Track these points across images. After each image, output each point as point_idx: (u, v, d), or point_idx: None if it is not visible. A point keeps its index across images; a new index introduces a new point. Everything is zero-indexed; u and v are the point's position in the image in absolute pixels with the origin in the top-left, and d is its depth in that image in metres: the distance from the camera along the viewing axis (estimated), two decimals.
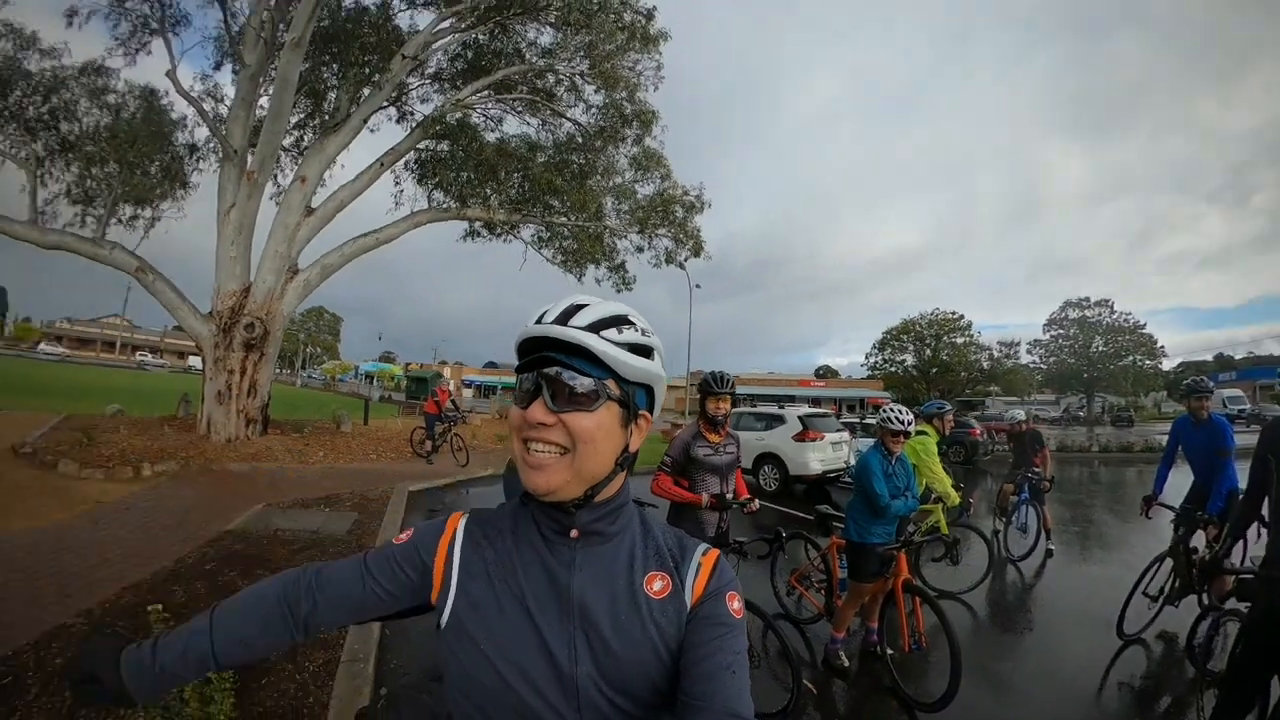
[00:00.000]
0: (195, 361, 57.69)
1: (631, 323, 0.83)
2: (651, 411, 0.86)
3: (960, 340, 44.00)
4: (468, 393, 55.21)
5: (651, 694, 0.78)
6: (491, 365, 73.73)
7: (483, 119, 13.86)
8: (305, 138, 13.83)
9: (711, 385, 3.35)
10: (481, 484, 9.55)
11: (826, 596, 4.10)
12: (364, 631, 3.84)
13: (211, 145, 12.56)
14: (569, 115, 13.78)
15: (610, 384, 0.79)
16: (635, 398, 0.82)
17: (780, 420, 11.08)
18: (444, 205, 13.29)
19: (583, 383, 0.77)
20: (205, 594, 4.10)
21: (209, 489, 7.53)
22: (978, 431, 16.54)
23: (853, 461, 9.11)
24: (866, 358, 49.28)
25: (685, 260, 14.80)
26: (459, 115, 12.45)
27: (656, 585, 0.82)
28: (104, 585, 4.24)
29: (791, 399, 28.10)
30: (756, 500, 3.53)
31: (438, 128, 12.14)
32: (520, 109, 13.94)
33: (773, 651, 3.70)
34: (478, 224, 13.81)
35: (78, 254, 10.76)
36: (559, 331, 0.78)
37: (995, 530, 6.35)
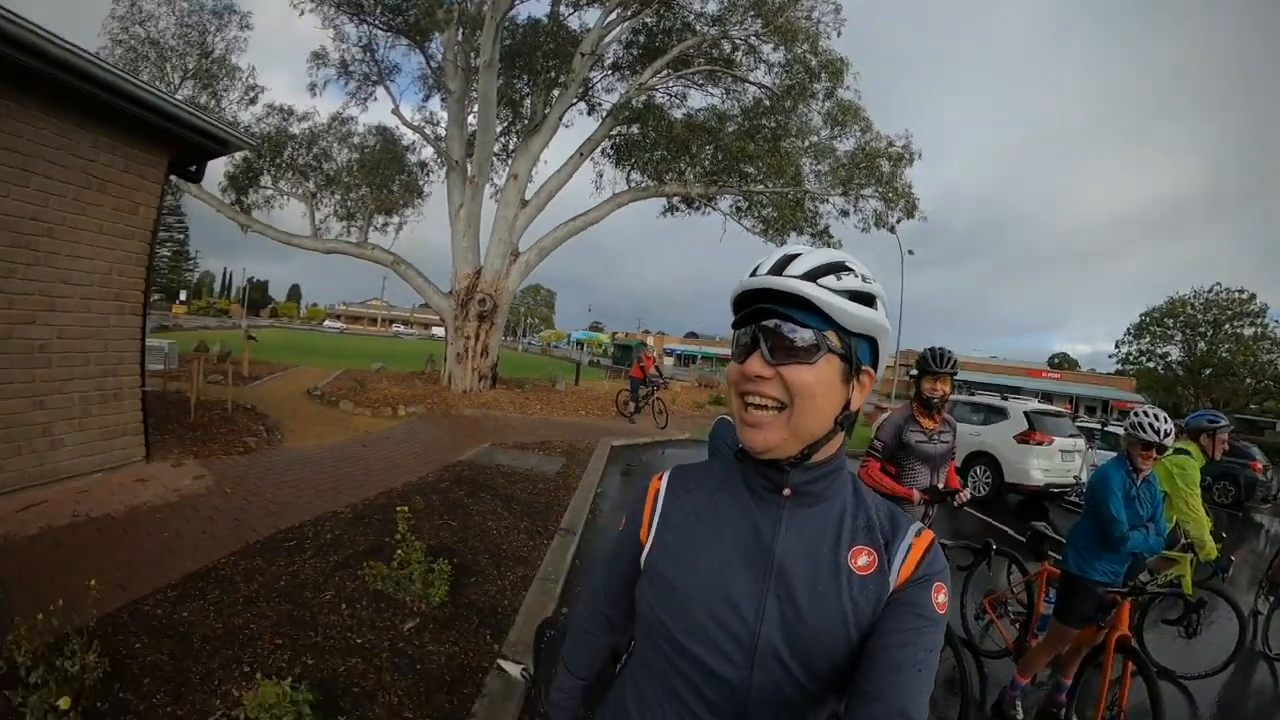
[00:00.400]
0: (438, 331, 70.93)
1: (850, 269, 0.79)
2: (875, 367, 0.82)
3: (1249, 332, 32.21)
4: (669, 361, 58.11)
5: (829, 669, 0.76)
6: (692, 335, 75.93)
7: (667, 98, 14.12)
8: (511, 142, 15.39)
9: (929, 363, 3.02)
10: (677, 446, 10.08)
11: (1020, 632, 3.56)
12: (558, 555, 4.41)
13: (437, 161, 15.07)
14: (751, 80, 13.38)
15: (831, 336, 0.76)
16: (857, 351, 0.79)
17: (1001, 414, 9.46)
18: (642, 184, 13.86)
19: (802, 335, 0.75)
20: (439, 504, 5.08)
21: (447, 428, 8.97)
22: (1259, 466, 12.28)
23: (1085, 478, 7.56)
24: (1117, 346, 39.69)
25: (897, 222, 13.57)
26: (643, 99, 12.90)
27: (861, 560, 0.79)
28: (367, 488, 5.50)
29: (1017, 391, 23.03)
30: (967, 490, 3.15)
31: (626, 113, 12.78)
32: (701, 81, 13.92)
33: (940, 677, 3.19)
34: (675, 199, 14.18)
35: (348, 255, 14.02)
36: (775, 282, 0.76)
37: (1255, 610, 4.70)
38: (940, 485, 3.12)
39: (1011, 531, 6.97)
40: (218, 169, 13.24)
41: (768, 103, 13.32)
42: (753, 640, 0.76)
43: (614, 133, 13.79)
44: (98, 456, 4.93)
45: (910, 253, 23.53)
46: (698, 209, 14.42)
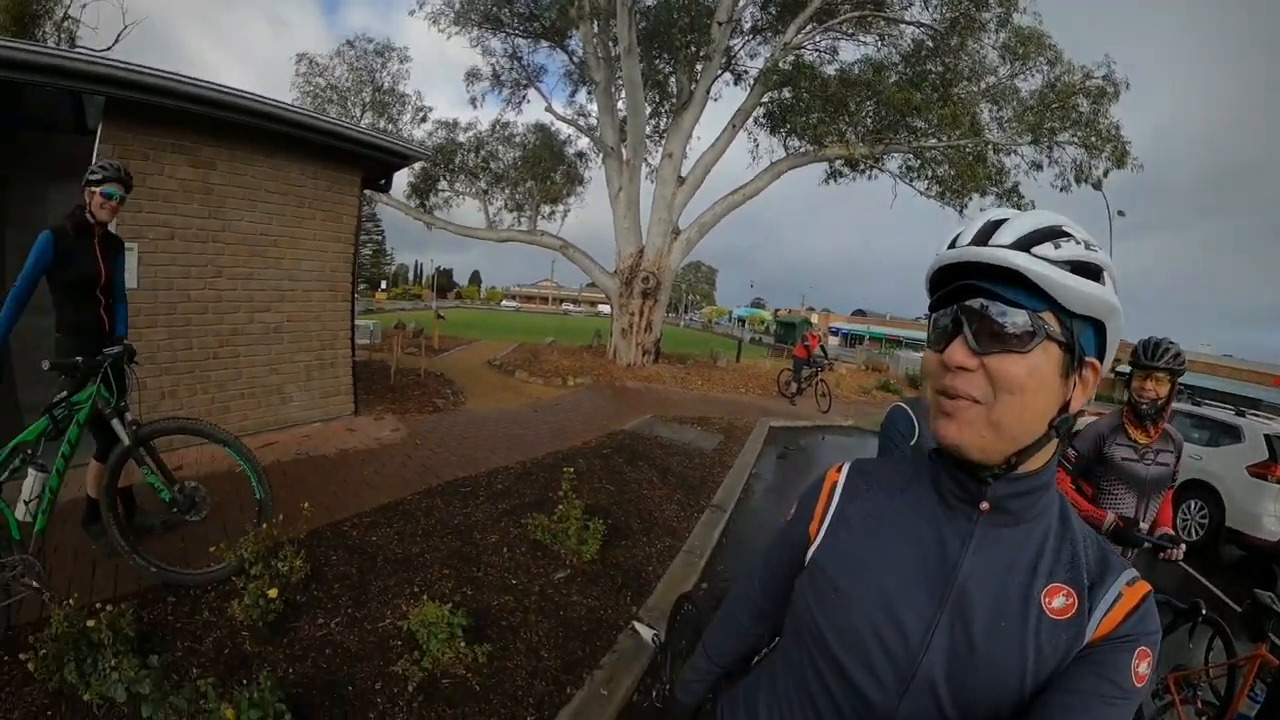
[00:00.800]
0: (604, 308, 74.86)
1: (1069, 234, 0.64)
2: (1102, 358, 0.67)
3: None
4: (834, 340, 54.18)
5: (989, 718, 0.65)
6: (859, 313, 69.99)
7: (815, 54, 13.08)
8: (662, 122, 15.36)
9: (1141, 356, 2.28)
10: (839, 433, 9.36)
11: None
12: (706, 530, 4.31)
13: (593, 149, 15.65)
14: (906, 19, 11.77)
15: (1049, 318, 0.62)
16: (1080, 337, 0.64)
17: (1232, 435, 6.79)
18: (800, 150, 12.94)
19: (1014, 317, 0.62)
20: (599, 469, 5.26)
21: (611, 398, 9.27)
22: None
23: None
24: None
25: (1104, 175, 11.08)
26: (790, 59, 12.04)
27: (1057, 601, 0.66)
28: (535, 448, 5.83)
29: (1256, 405, 16.45)
30: (1181, 547, 2.32)
31: (774, 78, 11.99)
32: (850, 31, 12.62)
33: None
34: (837, 163, 13.05)
35: (520, 242, 15.24)
36: (979, 253, 0.64)
37: None
38: (1145, 522, 2.37)
39: (1223, 595, 5.09)
40: (402, 180, 15.43)
41: (930, 44, 11.64)
42: (911, 666, 0.67)
43: (764, 99, 13.06)
44: (317, 410, 6.06)
45: (1120, 214, 18.22)
46: (862, 172, 13.16)
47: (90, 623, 2.20)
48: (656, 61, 14.60)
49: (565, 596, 3.14)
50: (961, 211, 11.98)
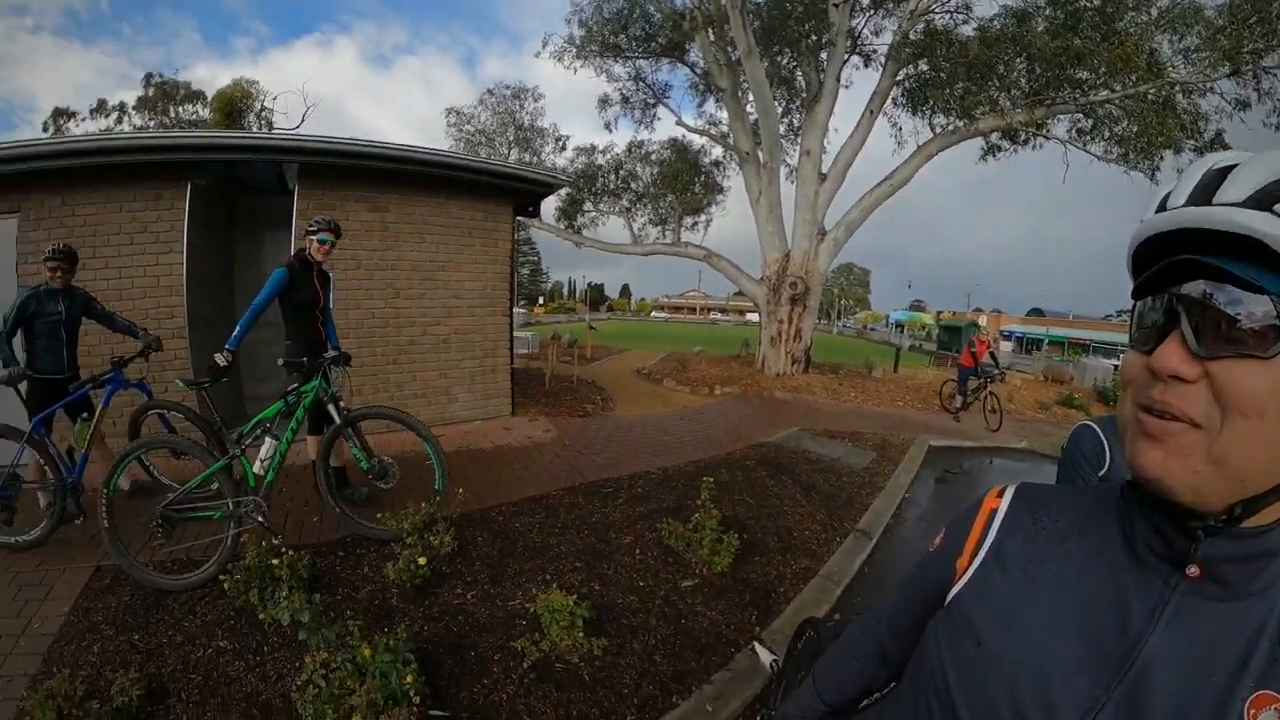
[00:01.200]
0: (752, 316, 73.85)
1: None
2: None
3: None
4: (1006, 345, 46.34)
5: None
6: (1036, 313, 57.89)
7: (947, 17, 11.47)
8: (795, 119, 14.67)
9: None
10: (1010, 457, 7.97)
11: None
12: (847, 556, 3.97)
13: (728, 156, 15.36)
14: None
15: None
16: None
17: None
18: (949, 127, 11.52)
19: (1251, 306, 0.45)
20: (741, 481, 5.08)
21: (758, 409, 9.03)
22: None
23: None
24: None
25: None
26: (920, 28, 10.84)
27: (1266, 717, 0.46)
28: (678, 456, 5.81)
29: None
30: None
31: (906, 51, 10.91)
32: None
33: None
34: (993, 136, 11.48)
35: (665, 254, 15.51)
36: (1199, 216, 0.47)
37: None
38: None
39: None
40: (550, 205, 16.61)
41: None
42: None
43: (900, 77, 11.89)
44: (478, 410, 6.86)
45: None
46: (1024, 143, 11.46)
47: (275, 561, 2.81)
48: (779, 58, 14.01)
49: (689, 606, 3.10)
50: (1153, 176, 9.87)
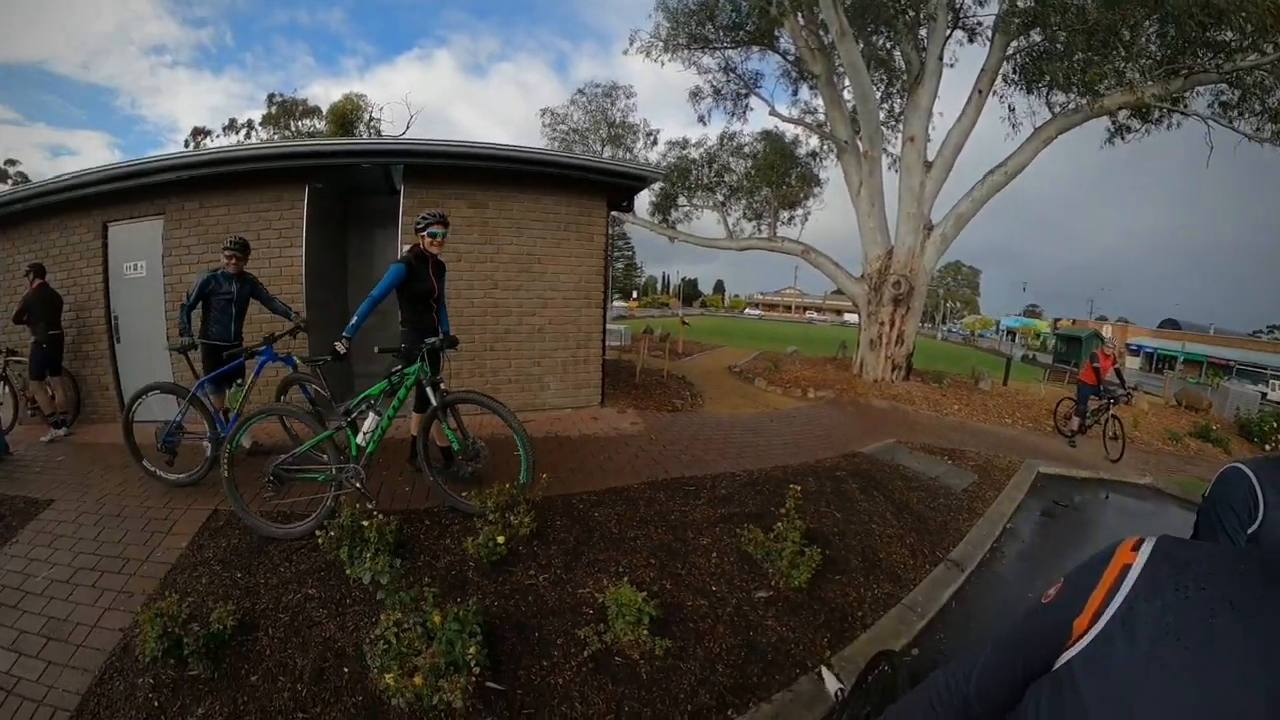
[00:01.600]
0: (849, 317, 71.35)
1: None
2: None
3: None
4: (1133, 361, 39.91)
5: None
6: (1170, 324, 49.81)
7: None
8: (896, 104, 13.74)
9: None
10: (1129, 493, 6.93)
11: None
12: (935, 587, 3.69)
13: (826, 146, 14.70)
14: None
15: None
16: None
17: None
18: (1069, 106, 10.26)
19: None
20: (829, 491, 4.86)
21: (853, 416, 8.64)
22: None
23: None
24: None
25: None
26: None
27: None
28: (765, 460, 5.67)
29: None
30: None
31: (1015, 21, 9.76)
32: None
33: None
34: (1121, 115, 10.16)
35: (761, 249, 15.04)
36: None
37: None
38: None
39: None
40: (644, 199, 16.72)
41: None
42: None
43: (1010, 51, 10.69)
44: (568, 399, 7.07)
45: None
46: (1158, 121, 9.99)
47: (365, 523, 3.12)
48: (875, 38, 13.11)
49: (760, 618, 3.02)
50: None
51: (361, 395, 3.79)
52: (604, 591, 2.82)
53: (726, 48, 14.77)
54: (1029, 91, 10.96)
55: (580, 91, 18.57)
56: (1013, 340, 48.06)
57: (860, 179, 11.97)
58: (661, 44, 14.53)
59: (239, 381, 4.88)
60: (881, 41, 13.37)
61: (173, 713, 2.45)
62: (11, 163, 38.87)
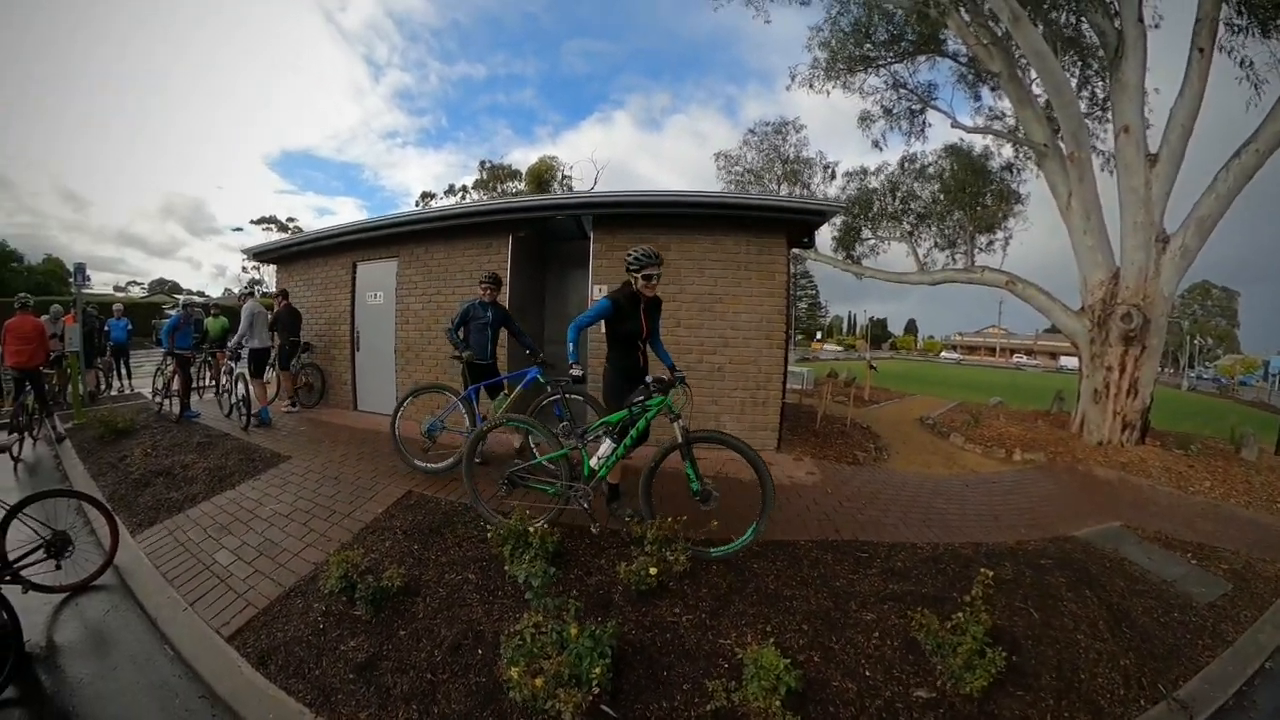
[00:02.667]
0: (1065, 361, 61.29)
1: None
2: None
3: None
4: None
5: None
6: None
7: None
8: (1098, 90, 11.57)
9: None
10: None
11: None
12: None
13: (1022, 154, 12.99)
14: None
15: None
16: None
17: None
18: None
19: None
20: (1027, 583, 4.15)
21: (1068, 487, 7.42)
22: None
23: None
24: None
25: None
26: None
27: None
28: (954, 533, 5.10)
29: None
30: None
31: None
32: None
33: None
34: None
35: (957, 282, 13.46)
36: None
37: None
38: None
39: None
40: (825, 235, 16.16)
41: None
42: None
43: None
44: (744, 440, 7.01)
45: None
46: None
47: (530, 528, 3.52)
48: (1053, 15, 10.96)
49: None
50: None
51: (600, 421, 4.23)
52: (745, 648, 2.76)
53: (891, 62, 13.78)
54: (1266, 34, 8.70)
55: (751, 132, 18.86)
56: None
57: (1068, 188, 10.11)
58: (822, 72, 14.08)
59: (505, 392, 5.82)
60: (1064, 17, 11.28)
61: (331, 636, 3.12)
62: (291, 220, 56.92)
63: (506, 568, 3.39)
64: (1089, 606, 3.94)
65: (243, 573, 3.82)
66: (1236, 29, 9.08)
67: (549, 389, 5.48)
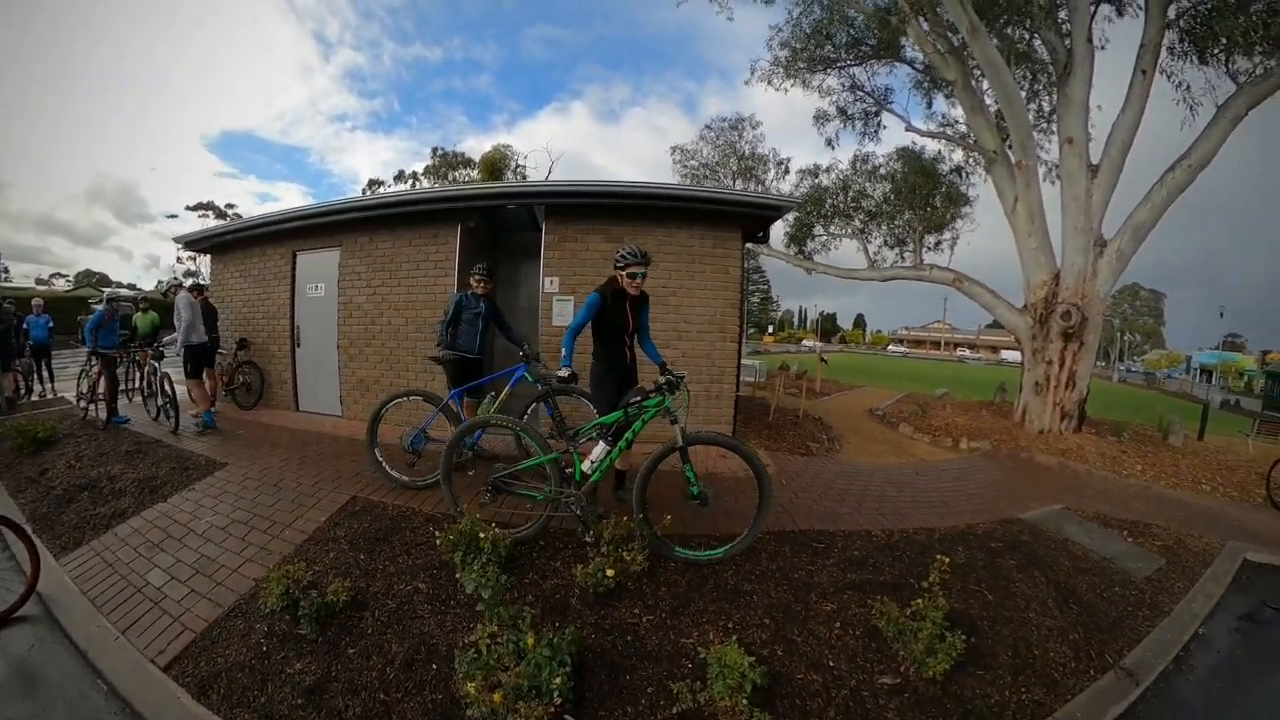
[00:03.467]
0: (1006, 355, 64.18)
1: None
2: None
3: None
4: None
5: None
6: None
7: None
8: (1045, 103, 12.24)
9: None
10: None
11: None
12: (1098, 701, 3.06)
13: (971, 159, 13.55)
14: None
15: None
16: None
17: None
18: (1257, 73, 8.52)
19: None
20: (980, 566, 4.30)
21: (1012, 473, 7.71)
22: None
23: None
24: None
25: None
26: None
27: None
28: (907, 519, 5.20)
29: None
30: None
31: None
32: None
33: None
34: None
35: (905, 279, 13.97)
36: None
37: None
38: None
39: None
40: (778, 231, 16.41)
41: None
42: None
43: (1171, 16, 8.97)
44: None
45: None
46: None
47: (481, 534, 3.31)
48: (1008, 30, 11.71)
49: (879, 709, 2.69)
50: None
51: (593, 423, 4.13)
52: (708, 647, 2.72)
53: (850, 65, 14.14)
54: (1203, 62, 9.31)
55: (708, 127, 19.07)
56: (1209, 381, 39.92)
57: (1015, 194, 10.67)
58: (782, 70, 14.27)
59: (492, 394, 5.57)
60: (1018, 33, 12.02)
61: (275, 659, 2.92)
62: (230, 206, 53.76)
63: (458, 575, 3.21)
64: (1038, 585, 4.12)
65: (178, 594, 3.52)
66: (1177, 54, 9.73)
67: (538, 386, 5.29)
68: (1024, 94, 12.03)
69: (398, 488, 4.95)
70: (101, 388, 7.33)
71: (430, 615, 3.12)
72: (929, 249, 14.75)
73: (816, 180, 16.19)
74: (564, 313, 6.99)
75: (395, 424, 5.51)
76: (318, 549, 3.85)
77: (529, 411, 5.53)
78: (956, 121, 13.82)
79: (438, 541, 3.43)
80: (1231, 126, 9.08)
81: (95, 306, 7.89)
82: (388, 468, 5.06)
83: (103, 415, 7.29)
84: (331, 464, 5.69)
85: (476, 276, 5.59)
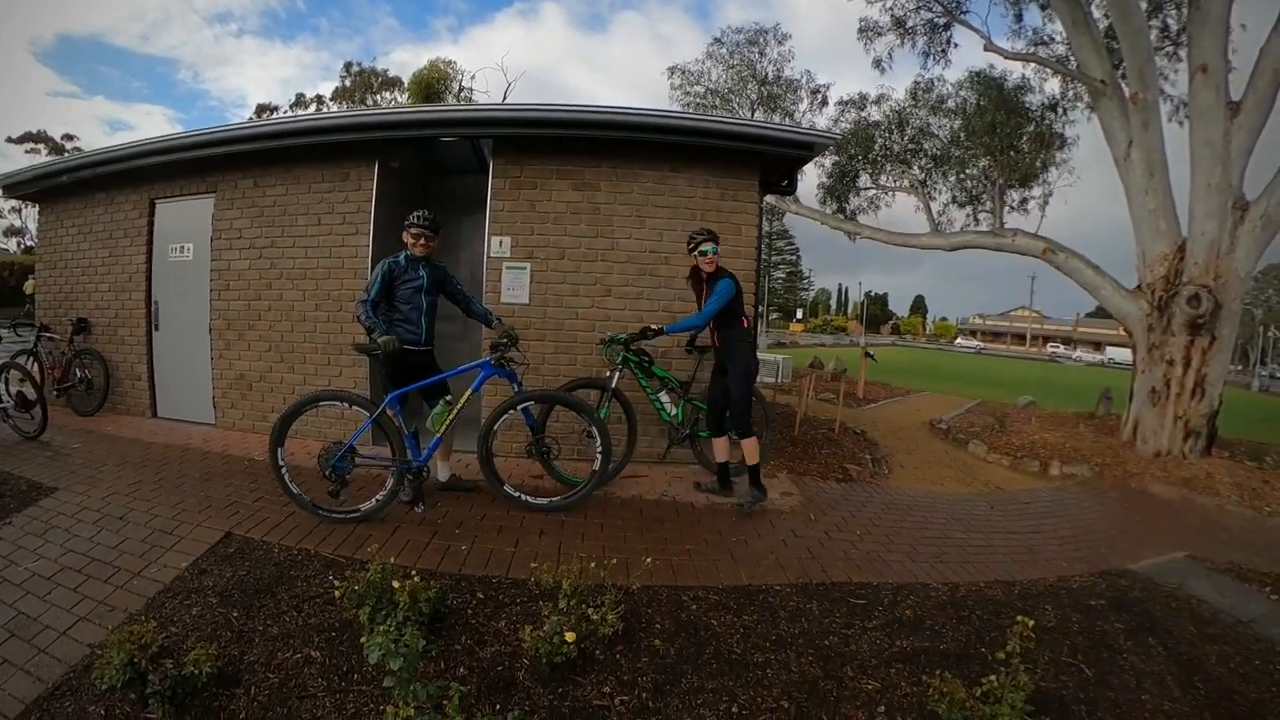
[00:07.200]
0: (1113, 353, 64.77)
1: None
2: None
3: None
4: None
5: None
6: None
7: None
8: (1170, 20, 12.22)
9: None
10: None
11: None
12: None
13: (1072, 90, 13.50)
14: None
15: None
16: None
17: None
18: None
19: None
20: (1076, 631, 4.29)
21: (1119, 509, 7.79)
22: None
23: None
24: None
25: None
26: None
27: None
28: (978, 569, 5.24)
29: None
30: None
31: None
32: None
33: None
34: None
35: (980, 248, 13.82)
36: None
37: None
38: None
39: None
40: (811, 182, 16.68)
41: None
42: None
43: None
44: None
45: None
46: None
47: (396, 584, 3.26)
48: None
49: None
50: None
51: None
52: None
53: None
54: None
55: (718, 40, 18.88)
56: None
57: (1129, 136, 10.47)
58: None
59: (447, 399, 5.29)
60: None
61: None
62: (69, 138, 51.21)
63: (363, 639, 3.13)
64: (1153, 658, 4.11)
65: None
66: None
67: (515, 390, 5.33)
68: (1145, 5, 11.97)
69: (318, 519, 4.85)
70: None
71: (326, 695, 3.05)
72: (1012, 209, 14.76)
73: (863, 113, 16.20)
74: (517, 284, 6.80)
75: (306, 437, 5.42)
76: (176, 604, 3.77)
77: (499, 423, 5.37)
78: (1053, 39, 13.77)
79: (337, 594, 3.37)
80: None
81: None
82: (301, 494, 4.88)
83: None
84: (199, 489, 5.58)
85: (415, 230, 5.10)
